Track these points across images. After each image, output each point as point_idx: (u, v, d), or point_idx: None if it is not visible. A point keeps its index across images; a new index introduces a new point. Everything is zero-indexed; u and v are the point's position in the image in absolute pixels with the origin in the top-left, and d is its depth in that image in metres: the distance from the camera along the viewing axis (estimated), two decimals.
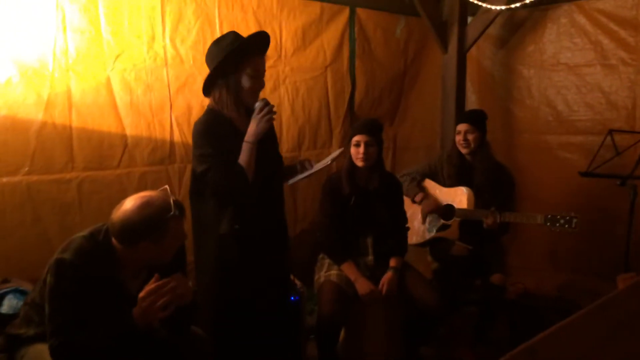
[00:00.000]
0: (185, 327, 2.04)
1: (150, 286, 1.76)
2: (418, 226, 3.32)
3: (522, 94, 4.14)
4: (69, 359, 1.72)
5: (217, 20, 3.18)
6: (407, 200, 3.17)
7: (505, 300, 3.24)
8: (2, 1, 2.49)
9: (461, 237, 3.15)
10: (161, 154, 3.06)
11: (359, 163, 2.71)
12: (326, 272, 2.76)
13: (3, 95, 2.53)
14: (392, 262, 2.76)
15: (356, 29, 3.93)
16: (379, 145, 2.74)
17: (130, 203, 1.78)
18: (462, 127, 3.17)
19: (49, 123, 2.67)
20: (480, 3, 3.57)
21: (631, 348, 1.32)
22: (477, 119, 3.18)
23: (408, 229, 2.95)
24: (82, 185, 2.79)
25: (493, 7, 3.63)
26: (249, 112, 2.30)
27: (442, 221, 3.21)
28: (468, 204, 3.13)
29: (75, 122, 2.74)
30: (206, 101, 2.38)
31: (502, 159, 3.41)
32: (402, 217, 2.93)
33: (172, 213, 1.78)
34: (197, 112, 3.06)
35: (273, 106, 2.25)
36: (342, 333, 2.72)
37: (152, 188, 1.92)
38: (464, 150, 3.19)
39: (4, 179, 2.57)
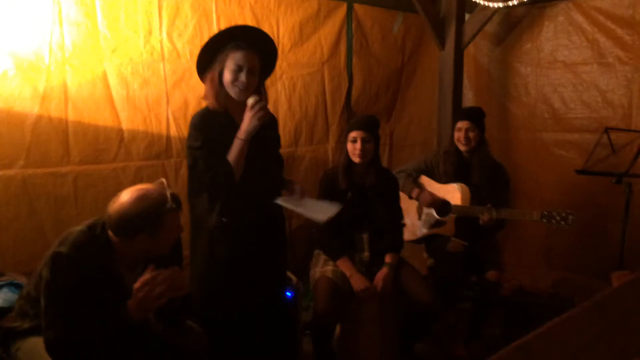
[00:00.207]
0: (180, 322, 2.05)
1: (145, 277, 1.76)
2: (414, 223, 3.33)
3: (518, 91, 4.15)
4: (64, 352, 1.72)
5: (214, 15, 3.17)
6: (402, 197, 3.18)
7: (500, 297, 3.25)
8: None
9: (457, 234, 3.16)
10: (157, 148, 3.06)
11: (356, 159, 2.71)
12: (322, 267, 2.76)
13: None
14: (388, 259, 2.77)
15: (353, 25, 3.93)
16: (375, 142, 2.74)
17: (126, 196, 1.78)
18: (462, 124, 3.16)
19: (45, 116, 2.66)
20: (477, 0, 3.56)
21: (625, 345, 1.33)
22: (477, 117, 3.18)
23: (404, 225, 2.96)
24: (78, 179, 2.79)
25: (490, 4, 3.62)
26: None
27: (437, 217, 3.21)
28: (463, 201, 3.14)
29: (71, 116, 2.73)
30: None
31: (498, 157, 3.41)
32: (398, 214, 2.93)
33: (168, 206, 1.78)
34: (193, 107, 3.05)
35: (265, 103, 2.24)
36: (338, 329, 2.73)
37: (148, 182, 1.91)
38: (463, 148, 3.18)
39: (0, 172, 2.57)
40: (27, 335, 1.86)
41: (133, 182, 2.82)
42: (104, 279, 1.80)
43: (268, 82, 3.47)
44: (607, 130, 3.07)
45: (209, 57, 2.28)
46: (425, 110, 4.50)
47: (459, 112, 3.41)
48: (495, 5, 3.62)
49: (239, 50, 2.23)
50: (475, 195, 3.14)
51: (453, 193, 3.18)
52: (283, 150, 2.66)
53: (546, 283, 3.82)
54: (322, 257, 2.83)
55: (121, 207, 1.77)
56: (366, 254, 2.79)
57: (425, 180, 3.34)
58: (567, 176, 3.56)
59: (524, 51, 4.08)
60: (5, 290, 2.25)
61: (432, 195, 3.19)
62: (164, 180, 1.86)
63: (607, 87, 3.66)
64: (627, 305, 1.42)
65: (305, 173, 3.79)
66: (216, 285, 2.34)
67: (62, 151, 2.73)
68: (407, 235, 3.21)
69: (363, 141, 2.68)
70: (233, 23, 3.17)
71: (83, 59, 2.74)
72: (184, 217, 2.41)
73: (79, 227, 1.84)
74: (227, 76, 2.25)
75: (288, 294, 2.74)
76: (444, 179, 3.26)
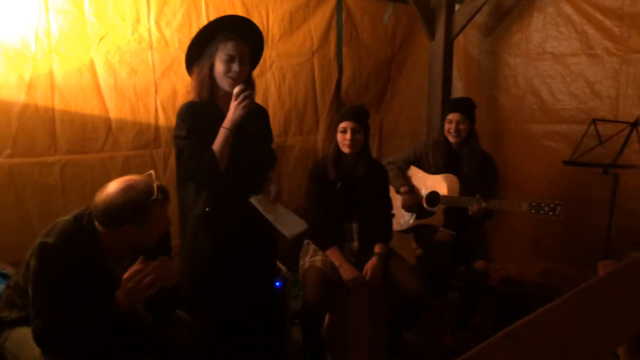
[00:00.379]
0: (169, 312, 2.04)
1: (134, 267, 1.76)
2: (403, 213, 3.34)
3: (507, 82, 4.16)
4: (52, 342, 1.72)
5: (203, 4, 3.14)
6: (392, 188, 3.19)
7: (488, 287, 3.28)
8: None
9: (446, 224, 3.17)
10: (146, 138, 3.03)
11: (345, 149, 2.71)
12: (311, 257, 2.77)
13: None
14: (377, 249, 2.78)
15: (344, 14, 3.91)
16: (365, 132, 2.74)
17: (113, 186, 1.78)
18: (453, 116, 3.16)
19: (31, 105, 2.63)
20: None
21: (612, 333, 1.35)
22: (468, 109, 3.18)
23: (393, 215, 2.97)
24: (65, 169, 2.76)
25: None
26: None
27: (427, 207, 3.23)
28: (452, 191, 3.15)
29: (58, 105, 2.70)
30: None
31: (487, 148, 3.43)
32: (388, 204, 2.94)
33: (154, 197, 1.77)
34: (182, 96, 3.03)
35: (251, 92, 2.23)
36: (327, 318, 2.74)
37: (137, 172, 1.91)
38: (453, 140, 3.19)
39: None
40: (15, 325, 1.86)
41: (121, 172, 2.81)
42: (91, 269, 1.79)
43: (257, 71, 3.47)
44: (594, 121, 3.09)
45: (197, 50, 2.28)
46: (415, 100, 4.50)
47: (450, 104, 3.42)
48: None
49: (229, 41, 2.24)
50: (465, 186, 3.15)
51: (442, 183, 3.19)
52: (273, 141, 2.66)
53: (534, 273, 3.86)
54: (312, 246, 2.84)
55: (107, 197, 1.76)
56: (355, 244, 2.80)
57: (414, 170, 3.35)
58: (555, 167, 3.58)
59: (513, 42, 4.09)
60: None
61: (416, 198, 3.23)
62: (152, 172, 1.86)
63: (595, 78, 3.68)
64: (613, 294, 1.44)
65: (294, 163, 3.79)
66: (202, 275, 2.36)
67: (49, 140, 2.71)
68: (396, 225, 3.23)
69: (353, 132, 2.68)
70: (222, 11, 3.15)
71: (70, 47, 2.70)
72: (173, 207, 2.41)
73: (66, 218, 1.83)
74: (219, 67, 2.25)
75: (277, 283, 2.74)
76: (433, 170, 3.27)
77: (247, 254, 2.38)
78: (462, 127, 3.14)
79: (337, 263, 2.70)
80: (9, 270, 2.30)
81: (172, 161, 2.97)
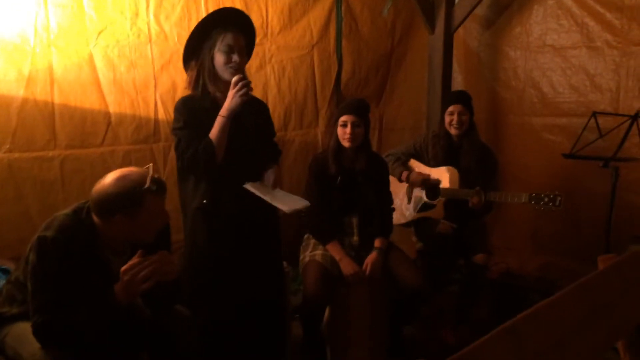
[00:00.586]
0: (169, 306, 2.05)
1: (132, 261, 1.76)
2: (403, 206, 3.34)
3: (507, 75, 4.14)
4: (52, 336, 1.72)
5: None
6: (392, 180, 3.18)
7: (488, 280, 3.28)
8: None
9: (446, 217, 3.18)
10: (145, 132, 3.03)
11: (346, 143, 2.70)
12: (311, 252, 2.77)
13: None
14: (377, 243, 2.78)
15: (343, 7, 3.90)
16: (365, 126, 2.74)
17: (109, 177, 1.80)
18: (455, 108, 3.16)
19: (31, 100, 2.62)
20: None
21: (611, 327, 1.35)
22: (467, 100, 3.19)
23: (393, 209, 2.97)
24: (64, 163, 2.76)
25: None
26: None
27: (426, 200, 3.23)
28: (452, 184, 3.15)
29: (57, 99, 2.70)
30: None
31: (487, 140, 3.43)
32: (388, 198, 2.94)
33: (147, 186, 1.77)
34: (182, 90, 3.02)
35: (249, 82, 2.24)
36: (327, 313, 2.74)
37: (137, 166, 1.90)
38: (455, 132, 3.18)
39: None
40: (15, 320, 1.86)
41: (121, 166, 2.75)
42: (90, 262, 1.79)
43: (257, 65, 3.47)
44: (594, 114, 3.08)
45: (195, 45, 2.30)
46: (415, 94, 4.49)
47: (449, 96, 3.41)
48: None
49: (227, 32, 2.27)
50: (465, 178, 3.15)
51: (442, 176, 3.19)
52: None
53: (533, 266, 3.86)
54: (312, 241, 2.84)
55: (102, 187, 1.78)
56: (356, 238, 2.80)
57: (414, 164, 3.34)
58: (554, 160, 3.58)
59: (513, 35, 4.07)
60: None
61: (421, 174, 3.19)
62: (151, 164, 1.86)
63: (595, 71, 3.66)
64: (612, 288, 1.44)
65: (294, 157, 3.79)
66: (201, 269, 2.36)
67: (49, 135, 2.70)
68: (397, 218, 3.23)
69: (353, 125, 2.67)
70: (221, 4, 3.13)
71: (69, 41, 2.70)
72: (175, 202, 2.41)
73: (65, 211, 1.83)
74: (220, 58, 2.27)
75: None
76: (432, 163, 3.27)
77: (247, 248, 2.38)
78: (464, 118, 3.15)
79: (337, 257, 2.70)
80: (9, 265, 2.31)
81: (172, 155, 2.98)
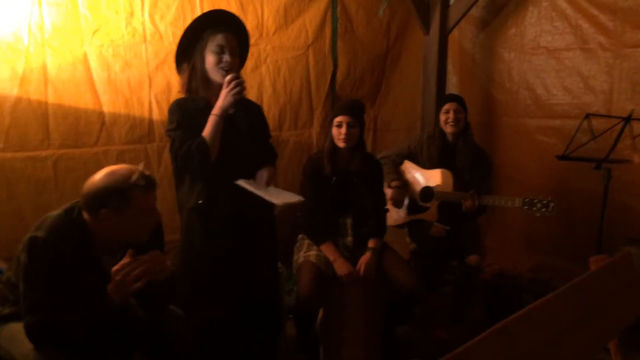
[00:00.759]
0: (162, 306, 2.04)
1: (123, 260, 1.76)
2: (397, 208, 3.34)
3: (502, 77, 4.15)
4: (44, 337, 1.71)
5: None
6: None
7: (481, 281, 3.29)
8: None
9: (439, 219, 3.18)
10: (140, 132, 3.02)
11: (341, 144, 2.71)
12: (305, 252, 2.77)
13: None
14: (371, 243, 2.78)
15: (338, 8, 3.90)
16: (361, 127, 2.74)
17: (99, 173, 1.80)
18: (450, 105, 3.17)
19: (24, 99, 2.61)
20: None
21: (603, 328, 1.36)
22: (462, 100, 3.20)
23: (387, 210, 2.97)
24: (58, 163, 2.75)
25: None
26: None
27: (421, 202, 3.24)
28: (446, 186, 3.16)
29: (51, 98, 2.69)
30: None
31: (481, 142, 3.44)
32: (382, 199, 2.94)
33: (132, 181, 1.76)
34: (176, 90, 3.00)
35: (242, 81, 2.23)
36: (321, 313, 2.74)
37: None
38: (450, 130, 3.19)
39: None
40: (7, 321, 1.85)
41: None
42: (82, 262, 1.79)
43: (252, 65, 3.47)
44: (588, 116, 3.09)
45: (186, 47, 2.31)
46: (410, 94, 4.50)
47: (444, 97, 3.43)
48: None
49: (217, 33, 2.27)
50: (460, 179, 3.16)
51: (436, 178, 3.20)
52: None
53: (526, 267, 3.87)
54: (306, 241, 2.84)
55: (90, 183, 1.78)
56: (350, 238, 2.81)
57: (408, 165, 3.35)
58: (548, 162, 3.59)
59: (508, 36, 4.08)
60: None
61: (404, 193, 3.24)
62: (143, 162, 1.86)
63: (589, 73, 3.68)
64: (604, 289, 1.45)
65: (289, 157, 3.79)
66: (196, 269, 2.36)
67: (42, 134, 2.69)
68: (390, 220, 3.23)
69: (348, 126, 2.68)
70: (216, 5, 3.13)
71: (63, 40, 2.69)
72: (170, 203, 2.41)
73: (56, 212, 1.83)
74: (211, 59, 2.27)
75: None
76: (427, 164, 3.27)
77: (243, 248, 2.38)
78: (460, 116, 3.16)
79: (331, 258, 2.70)
80: (1, 265, 2.29)
81: (166, 155, 2.97)
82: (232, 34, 2.32)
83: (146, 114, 3.03)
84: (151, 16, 2.97)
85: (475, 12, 4.16)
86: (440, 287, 3.37)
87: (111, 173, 1.79)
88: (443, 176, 3.17)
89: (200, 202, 2.29)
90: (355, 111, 2.71)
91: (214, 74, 2.29)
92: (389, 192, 3.23)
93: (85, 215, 1.81)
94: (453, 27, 4.05)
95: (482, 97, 4.23)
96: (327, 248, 2.73)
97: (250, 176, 2.42)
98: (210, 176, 2.28)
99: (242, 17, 2.74)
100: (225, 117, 2.24)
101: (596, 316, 1.35)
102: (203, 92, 2.31)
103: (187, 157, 2.21)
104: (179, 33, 2.31)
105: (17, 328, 1.77)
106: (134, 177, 1.77)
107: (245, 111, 2.38)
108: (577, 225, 3.72)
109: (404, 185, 3.29)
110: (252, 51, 3.40)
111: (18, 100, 2.59)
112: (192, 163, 2.22)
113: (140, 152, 3.03)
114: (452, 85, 4.38)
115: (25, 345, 1.72)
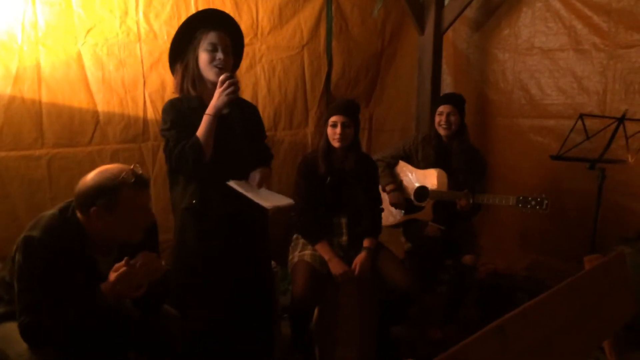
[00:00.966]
0: (157, 306, 2.04)
1: (121, 271, 1.74)
2: (392, 208, 3.34)
3: (496, 77, 4.17)
4: (39, 337, 1.71)
5: None
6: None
7: (476, 280, 3.30)
8: None
9: (434, 219, 3.19)
10: (134, 131, 3.01)
11: (335, 143, 2.71)
12: (300, 252, 2.77)
13: None
14: (366, 243, 2.78)
15: (333, 8, 3.90)
16: (355, 126, 2.74)
17: (92, 172, 1.80)
18: (444, 108, 3.17)
19: (18, 98, 2.60)
20: None
21: (597, 327, 1.36)
22: (458, 102, 3.20)
23: (382, 210, 2.97)
24: (52, 162, 2.74)
25: None
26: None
27: (415, 202, 3.24)
28: (441, 186, 3.16)
29: (45, 97, 2.68)
30: None
31: (475, 142, 3.44)
32: (377, 198, 2.94)
33: (122, 178, 1.76)
34: (171, 89, 2.99)
35: (236, 81, 2.22)
36: (316, 312, 2.74)
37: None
38: (443, 132, 3.19)
39: None
40: (1, 320, 1.84)
41: None
42: (77, 262, 1.78)
43: (247, 65, 3.46)
44: (581, 116, 3.11)
45: (179, 47, 2.31)
46: (405, 94, 4.50)
47: (441, 97, 3.43)
48: None
49: (210, 31, 2.27)
50: (454, 179, 3.17)
51: (431, 178, 3.20)
52: None
53: (521, 266, 3.89)
54: (301, 241, 2.83)
55: (82, 181, 1.79)
56: (345, 238, 2.81)
57: (403, 165, 3.35)
58: (542, 162, 3.61)
59: (502, 37, 4.10)
60: None
61: (401, 197, 3.25)
62: (136, 164, 1.86)
63: (582, 73, 3.70)
64: (598, 288, 1.45)
65: (284, 157, 3.78)
66: (189, 269, 2.36)
67: (36, 133, 2.68)
68: (385, 219, 3.24)
69: (343, 126, 2.68)
70: (210, 4, 3.13)
71: (57, 39, 2.68)
72: (165, 204, 2.40)
73: (51, 211, 1.82)
74: (204, 58, 2.27)
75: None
76: (422, 165, 3.28)
77: (236, 248, 2.38)
78: (452, 118, 3.15)
79: (326, 257, 2.70)
80: None
81: (161, 154, 2.96)
82: (226, 33, 2.32)
83: (140, 113, 3.02)
84: (145, 15, 2.96)
85: (469, 12, 4.18)
86: (435, 287, 3.38)
87: (102, 172, 1.79)
88: (438, 176, 3.18)
89: (194, 202, 2.29)
90: (350, 111, 2.71)
91: (207, 72, 2.28)
92: (386, 197, 3.25)
93: (79, 214, 1.81)
94: (448, 28, 4.06)
95: (476, 97, 4.24)
96: (322, 247, 2.73)
97: (244, 177, 2.42)
98: (204, 176, 2.28)
99: (236, 16, 2.74)
100: (220, 117, 2.24)
101: (591, 315, 1.35)
102: (197, 92, 2.31)
103: (181, 157, 2.21)
104: (174, 32, 2.31)
105: (11, 327, 1.76)
106: (124, 174, 1.77)
107: (240, 111, 2.38)
108: (571, 224, 3.74)
109: (399, 187, 3.30)
110: (247, 51, 3.39)
111: (11, 99, 2.58)
112: (186, 163, 2.22)
113: (135, 151, 3.02)
114: (447, 86, 4.39)
115: (20, 345, 1.71)
